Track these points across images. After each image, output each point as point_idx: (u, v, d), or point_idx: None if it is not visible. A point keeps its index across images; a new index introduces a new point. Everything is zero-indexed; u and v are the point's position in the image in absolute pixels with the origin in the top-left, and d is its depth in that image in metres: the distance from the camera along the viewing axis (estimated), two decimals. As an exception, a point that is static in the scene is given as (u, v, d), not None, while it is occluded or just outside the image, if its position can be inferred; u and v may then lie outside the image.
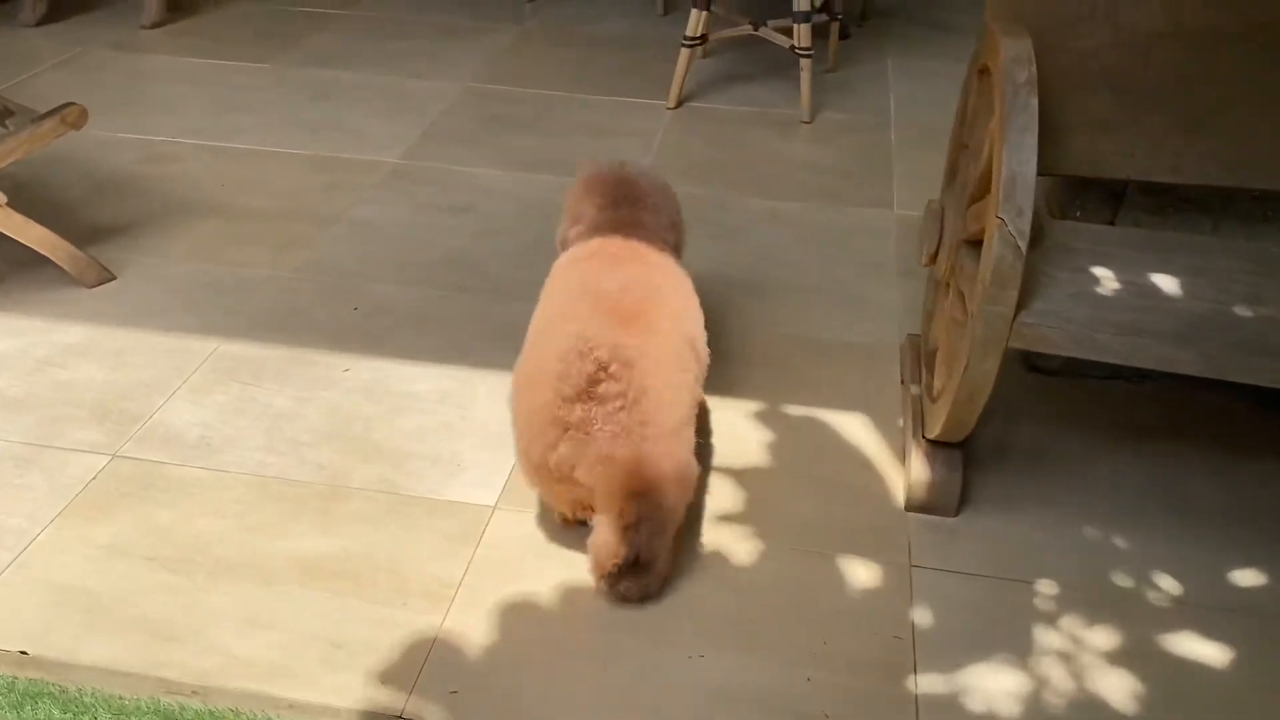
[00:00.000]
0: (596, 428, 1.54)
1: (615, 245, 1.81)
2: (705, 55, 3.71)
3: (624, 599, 1.61)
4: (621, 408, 1.54)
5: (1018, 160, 1.47)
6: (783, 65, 3.54)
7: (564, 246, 1.95)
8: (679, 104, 3.37)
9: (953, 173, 1.94)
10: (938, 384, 1.79)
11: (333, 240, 2.58)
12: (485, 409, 2.03)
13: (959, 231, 1.71)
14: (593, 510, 1.59)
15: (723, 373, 2.14)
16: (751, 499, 1.84)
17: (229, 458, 1.89)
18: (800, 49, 3.23)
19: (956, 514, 1.80)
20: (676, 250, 1.96)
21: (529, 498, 1.81)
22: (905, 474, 1.85)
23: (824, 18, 3.42)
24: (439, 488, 1.83)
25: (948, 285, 1.79)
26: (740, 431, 2.00)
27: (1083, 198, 2.00)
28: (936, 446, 1.77)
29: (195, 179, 2.83)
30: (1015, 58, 1.54)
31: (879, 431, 2.00)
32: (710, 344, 1.87)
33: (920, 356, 2.00)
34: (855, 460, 1.93)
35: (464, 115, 3.26)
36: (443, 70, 3.59)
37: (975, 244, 1.66)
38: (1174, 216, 1.96)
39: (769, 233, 2.68)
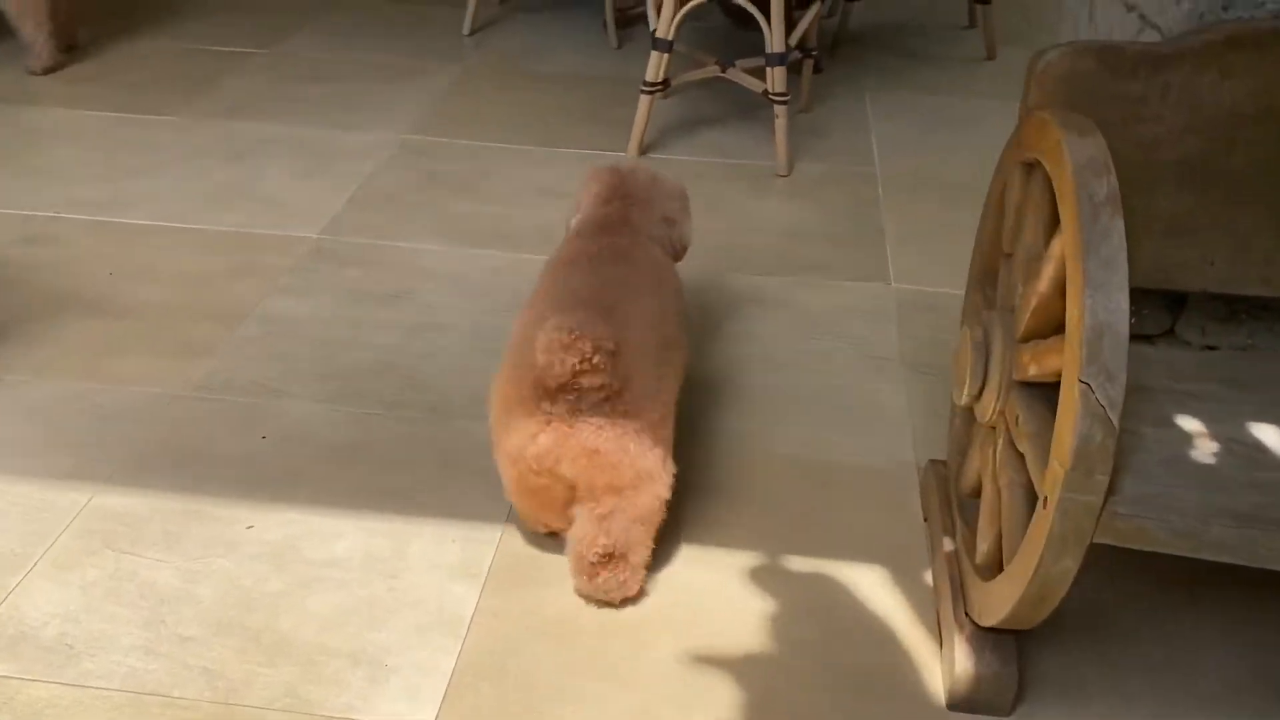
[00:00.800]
0: (580, 419, 1.53)
1: (598, 244, 1.83)
2: (666, 95, 3.35)
3: (604, 596, 1.60)
4: (605, 399, 1.53)
5: (1105, 307, 1.12)
6: (753, 106, 3.19)
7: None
8: (640, 155, 3.01)
9: (986, 278, 1.60)
10: (983, 547, 1.44)
11: (241, 344, 2.18)
12: (419, 577, 1.64)
13: (1011, 369, 1.37)
14: (567, 522, 1.61)
15: (706, 512, 1.79)
16: (753, 700, 1.48)
17: (95, 665, 1.48)
18: (775, 95, 2.88)
19: (1011, 712, 1.46)
20: (673, 247, 1.98)
21: (477, 705, 1.44)
22: (945, 661, 1.50)
23: (797, 55, 3.08)
24: (361, 701, 1.45)
25: (993, 427, 1.44)
26: (733, 599, 1.63)
27: (1135, 302, 1.67)
28: (985, 631, 1.43)
29: (78, 265, 2.42)
30: (1089, 164, 1.20)
31: (904, 591, 1.64)
32: (688, 469, 1.77)
33: (951, 496, 1.66)
34: (879, 636, 1.57)
35: (398, 175, 2.88)
36: (375, 119, 3.20)
37: (1034, 387, 1.32)
38: (1248, 324, 1.64)
39: (753, 319, 2.32)
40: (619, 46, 3.86)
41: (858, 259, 2.55)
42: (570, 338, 1.49)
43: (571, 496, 1.59)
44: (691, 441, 1.94)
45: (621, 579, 1.58)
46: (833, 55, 3.74)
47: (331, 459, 1.88)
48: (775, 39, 2.83)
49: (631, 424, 1.54)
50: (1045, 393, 1.31)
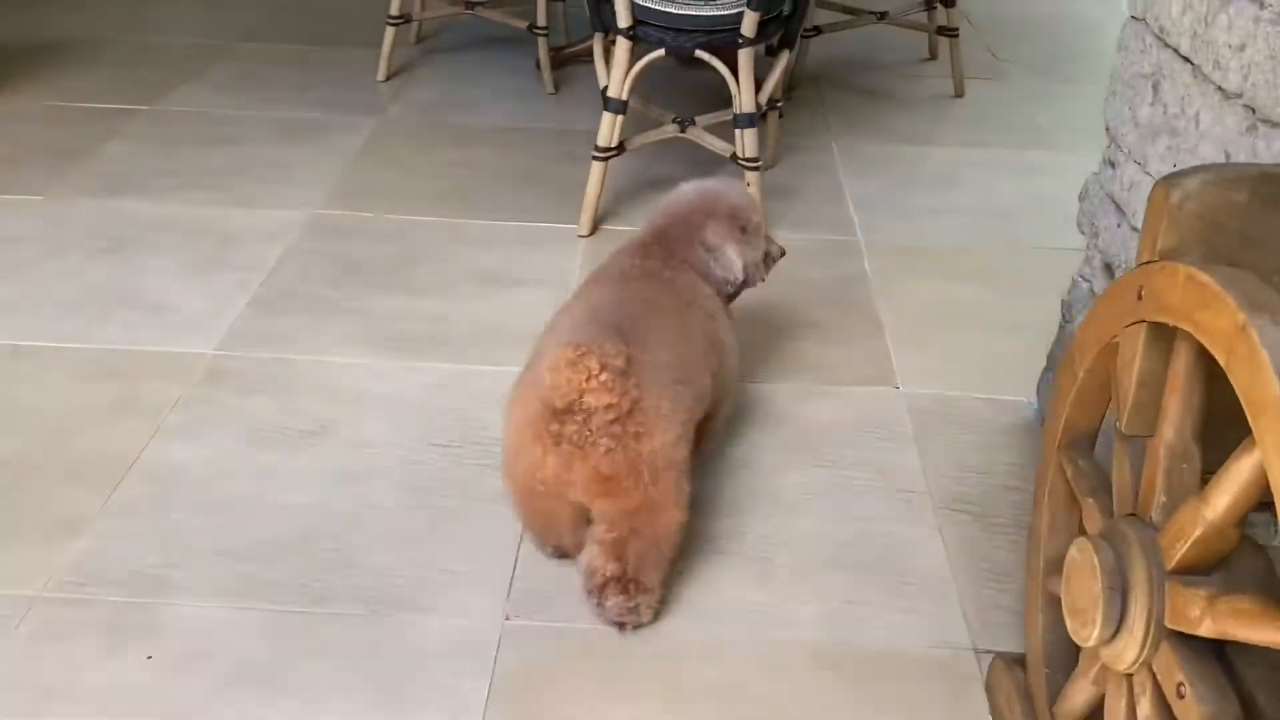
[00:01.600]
0: (589, 441, 1.48)
1: (629, 262, 1.80)
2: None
3: (615, 619, 1.55)
4: (615, 419, 1.47)
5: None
6: (715, 163, 2.84)
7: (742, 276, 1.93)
8: (594, 230, 2.63)
9: (1075, 445, 1.26)
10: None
11: (118, 514, 1.73)
12: None
13: (1163, 612, 1.02)
14: (579, 543, 1.58)
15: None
16: None
17: None
18: (745, 161, 2.52)
19: None
20: (712, 276, 1.87)
21: None
22: None
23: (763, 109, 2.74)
24: None
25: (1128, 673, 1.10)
26: None
27: None
28: None
29: (-92, 409, 1.96)
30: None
31: None
32: (682, 665, 1.54)
33: (1040, 715, 1.31)
34: None
35: (310, 263, 2.44)
36: (280, 190, 2.76)
37: (1205, 640, 0.98)
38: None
39: (748, 440, 1.95)
40: (555, 91, 3.47)
41: (856, 356, 2.21)
42: (577, 354, 1.43)
43: (583, 516, 1.57)
44: (688, 618, 1.58)
45: (633, 604, 1.54)
46: (790, 96, 3.40)
47: (236, 684, 1.46)
48: (744, 98, 2.47)
49: (644, 446, 1.49)
50: (1221, 649, 0.97)
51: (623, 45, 2.44)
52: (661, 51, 2.45)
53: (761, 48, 2.52)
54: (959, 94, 3.56)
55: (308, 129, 3.12)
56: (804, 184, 2.91)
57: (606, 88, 2.51)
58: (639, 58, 2.47)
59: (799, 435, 1.98)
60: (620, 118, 2.51)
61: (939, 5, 3.45)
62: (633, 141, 2.61)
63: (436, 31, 3.89)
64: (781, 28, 2.51)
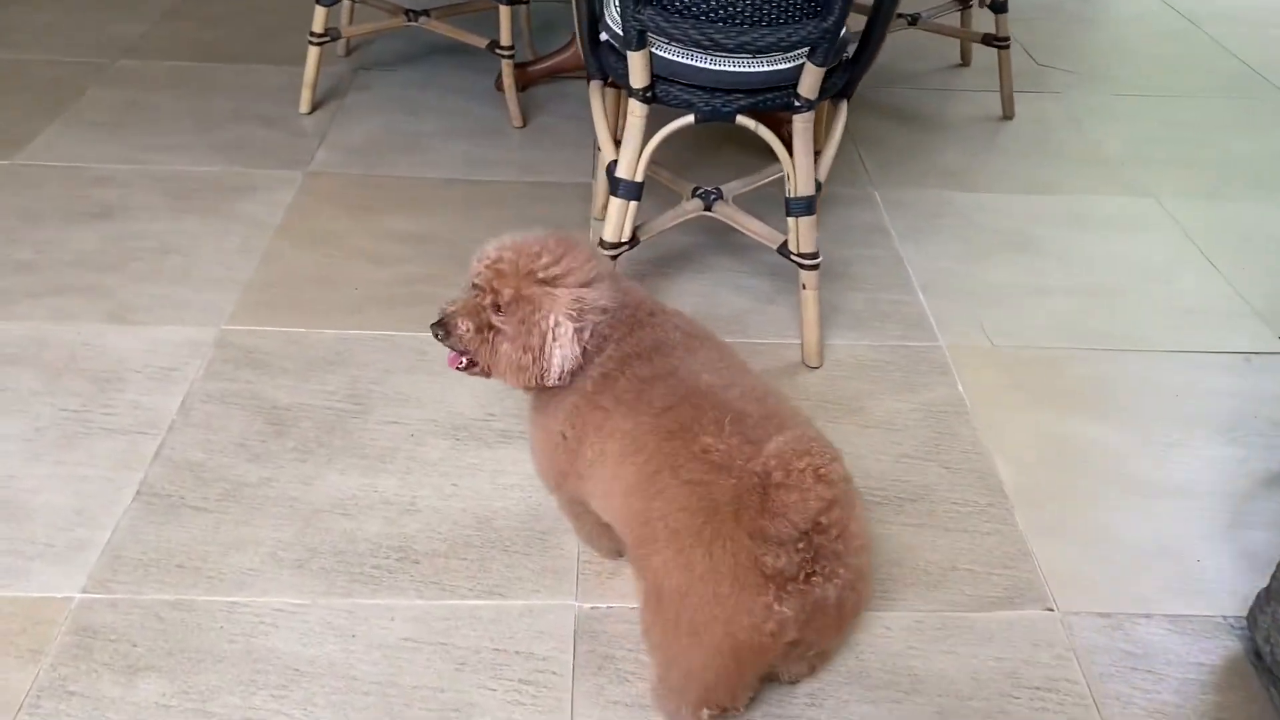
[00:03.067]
0: (817, 573, 1.14)
1: (666, 333, 1.34)
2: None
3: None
4: (839, 536, 1.15)
5: None
6: (749, 248, 2.22)
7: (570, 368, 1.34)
8: (598, 344, 2.01)
9: None
10: None
11: None
12: None
13: None
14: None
15: None
16: None
17: None
18: (802, 258, 1.91)
19: None
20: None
21: None
22: None
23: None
24: None
25: None
26: None
27: None
28: None
29: None
30: None
31: None
32: None
33: None
34: None
35: (219, 419, 1.77)
36: (175, 293, 2.07)
37: None
38: None
39: (853, 716, 1.40)
40: (523, 124, 2.81)
41: (984, 552, 1.62)
42: (822, 459, 1.09)
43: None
44: None
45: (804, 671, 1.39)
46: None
47: None
48: (800, 177, 1.85)
49: (861, 559, 1.20)
50: None
51: (637, 110, 1.80)
52: (690, 119, 1.81)
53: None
54: (1008, 115, 2.97)
55: (209, 190, 2.42)
56: (855, 259, 2.30)
57: (613, 164, 1.87)
58: (659, 125, 1.83)
59: (928, 701, 1.41)
60: (634, 205, 1.88)
61: (988, 10, 2.84)
62: (648, 228, 1.97)
63: (371, 40, 3.18)
64: (845, 76, 1.89)
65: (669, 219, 2.00)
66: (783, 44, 1.68)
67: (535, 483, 1.67)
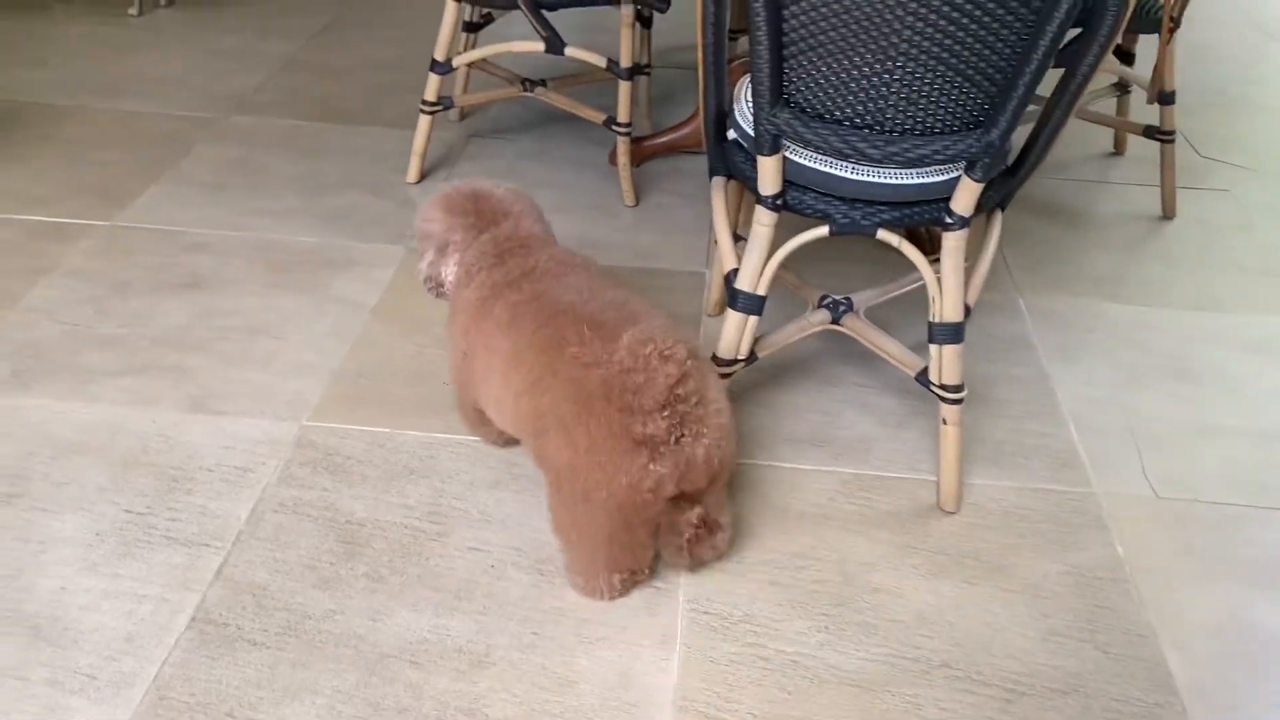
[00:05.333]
0: (692, 433, 1.39)
1: (533, 261, 1.62)
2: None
3: (705, 560, 1.58)
4: (698, 403, 1.39)
5: None
6: (863, 357, 2.01)
7: (440, 283, 1.72)
8: (704, 468, 1.81)
9: None
10: None
11: None
12: None
13: None
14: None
15: None
16: None
17: None
18: (944, 389, 1.69)
19: None
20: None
21: None
22: None
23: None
24: None
25: None
26: None
27: None
28: None
29: None
30: None
31: None
32: None
33: None
34: None
35: (288, 535, 1.62)
36: (257, 379, 1.94)
37: None
38: None
39: None
40: (636, 203, 2.65)
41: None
42: (669, 349, 1.37)
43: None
44: None
45: (716, 545, 1.55)
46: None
47: None
48: (948, 301, 1.63)
49: (720, 419, 1.42)
50: None
51: (765, 218, 1.61)
52: (824, 231, 1.61)
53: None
54: (1168, 215, 2.69)
55: (307, 263, 2.31)
56: (996, 377, 2.06)
57: (733, 273, 1.68)
58: (788, 235, 1.64)
59: None
60: (754, 320, 1.68)
61: (1156, 103, 2.58)
62: (768, 342, 1.78)
63: (485, 106, 3.08)
64: (1003, 188, 1.67)
65: (792, 332, 1.80)
66: (937, 157, 1.48)
67: (626, 639, 1.48)
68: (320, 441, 1.81)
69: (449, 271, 1.68)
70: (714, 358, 1.72)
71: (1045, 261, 2.48)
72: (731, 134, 1.71)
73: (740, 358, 1.70)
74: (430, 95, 2.58)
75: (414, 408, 1.90)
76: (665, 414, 1.36)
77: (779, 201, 1.59)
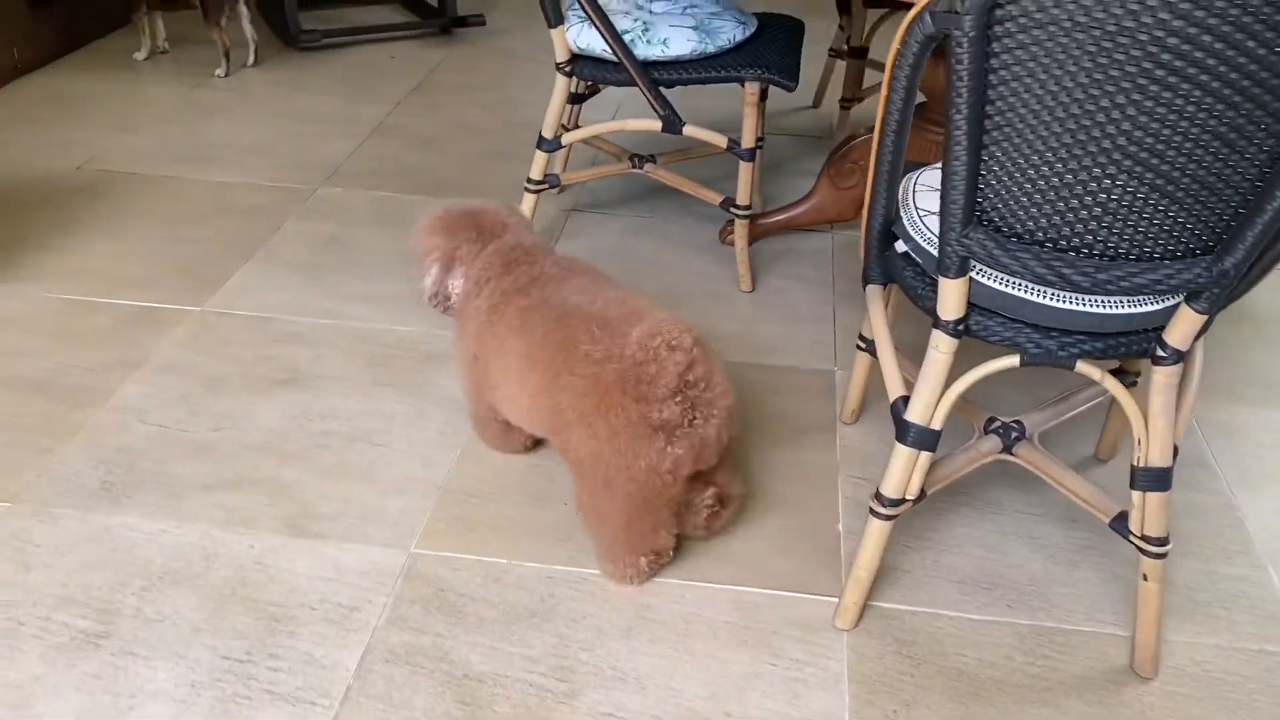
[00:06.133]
0: (702, 415, 1.49)
1: (539, 269, 1.70)
2: (854, 419, 1.98)
3: (719, 529, 1.68)
4: (706, 387, 1.49)
5: None
6: (1080, 520, 1.79)
7: (445, 298, 1.80)
8: (859, 620, 1.61)
9: None
10: None
11: None
12: None
13: None
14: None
15: None
16: None
17: None
18: (1149, 543, 1.47)
19: None
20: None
21: None
22: None
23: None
24: None
25: None
26: None
27: None
28: None
29: None
30: None
31: None
32: None
33: None
34: None
35: (405, 687, 1.43)
36: (362, 501, 1.78)
37: None
38: None
39: None
40: (752, 288, 2.48)
41: None
42: (675, 338, 1.44)
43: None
44: None
45: (728, 516, 1.68)
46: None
47: None
48: (1156, 442, 1.41)
49: (727, 401, 1.52)
50: None
51: (943, 344, 1.42)
52: (1013, 361, 1.42)
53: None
54: (1339, 306, 2.46)
55: (406, 356, 2.16)
56: (1177, 507, 1.81)
57: (902, 402, 1.49)
58: (965, 359, 1.45)
59: None
60: (925, 456, 1.49)
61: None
62: (936, 477, 1.57)
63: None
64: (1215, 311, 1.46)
65: (961, 465, 1.59)
66: (1158, 287, 1.28)
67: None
68: (431, 573, 1.64)
69: (456, 285, 1.77)
70: (877, 495, 1.52)
71: (1219, 365, 2.25)
72: (901, 246, 1.53)
73: (909, 497, 1.50)
74: (536, 174, 2.43)
75: (530, 534, 1.73)
76: (678, 400, 1.46)
77: (961, 328, 1.40)
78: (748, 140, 2.30)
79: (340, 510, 1.77)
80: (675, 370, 1.43)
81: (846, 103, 2.94)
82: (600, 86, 2.70)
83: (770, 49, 2.32)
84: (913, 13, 1.21)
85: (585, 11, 2.16)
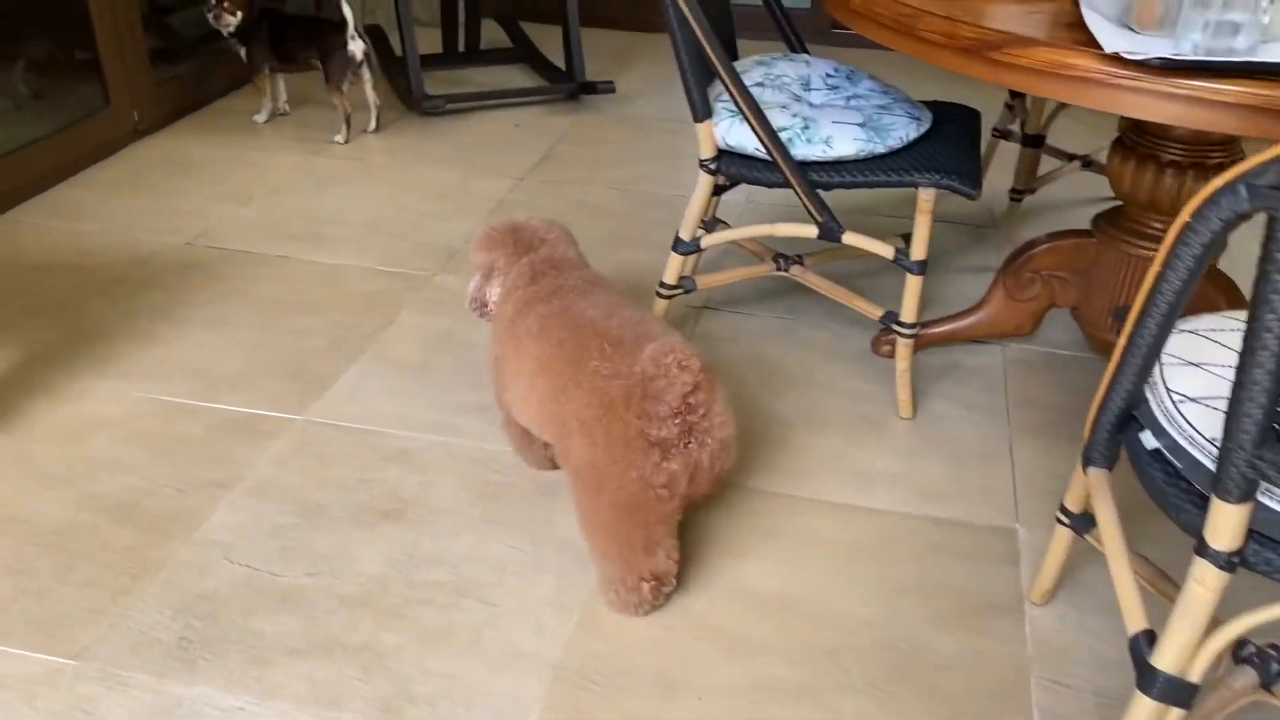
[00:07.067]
0: (690, 441, 1.53)
1: (563, 280, 1.79)
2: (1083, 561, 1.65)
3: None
4: (705, 414, 1.53)
5: None
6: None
7: (484, 303, 1.92)
8: None
9: None
10: None
11: None
12: None
13: None
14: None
15: None
16: None
17: None
18: None
19: None
20: None
21: None
22: None
23: None
24: None
25: None
26: None
27: None
28: None
29: None
30: None
31: None
32: None
33: None
34: None
35: None
36: (467, 677, 1.54)
37: None
38: None
39: None
40: (913, 414, 2.18)
41: None
42: (685, 360, 1.49)
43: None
44: None
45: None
46: None
47: None
48: None
49: (726, 432, 1.56)
50: None
51: (1210, 578, 1.11)
52: (1309, 607, 1.11)
53: None
54: None
55: (521, 487, 1.91)
56: None
57: (1143, 639, 1.17)
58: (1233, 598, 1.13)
59: None
60: (1177, 714, 1.17)
61: None
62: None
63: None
64: None
65: (1213, 710, 1.27)
66: None
67: None
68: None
69: (493, 293, 1.88)
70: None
71: None
72: (1151, 441, 1.22)
73: (1147, 758, 1.19)
74: (670, 277, 2.18)
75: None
76: (677, 420, 1.51)
77: (1236, 560, 1.09)
78: (918, 252, 2.01)
79: (441, 691, 1.52)
80: (681, 390, 1.49)
81: (1017, 195, 2.63)
82: (744, 176, 2.45)
83: (946, 147, 2.03)
84: (1220, 181, 0.92)
85: (739, 107, 1.91)
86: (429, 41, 4.26)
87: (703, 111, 2.00)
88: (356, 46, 3.37)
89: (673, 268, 2.17)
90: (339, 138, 3.45)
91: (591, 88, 3.80)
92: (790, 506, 1.91)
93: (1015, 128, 2.80)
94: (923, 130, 2.04)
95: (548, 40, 4.26)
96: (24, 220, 2.92)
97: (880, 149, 1.97)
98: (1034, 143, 2.60)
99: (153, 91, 3.47)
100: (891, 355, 2.32)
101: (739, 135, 1.99)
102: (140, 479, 1.93)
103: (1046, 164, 2.97)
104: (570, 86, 3.81)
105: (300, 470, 1.97)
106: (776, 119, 1.97)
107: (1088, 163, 2.84)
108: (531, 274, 1.81)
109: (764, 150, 1.95)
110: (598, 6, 4.49)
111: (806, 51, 2.34)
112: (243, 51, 3.49)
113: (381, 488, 1.93)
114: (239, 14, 3.42)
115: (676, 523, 1.62)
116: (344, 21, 3.35)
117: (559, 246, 1.88)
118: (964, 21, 1.55)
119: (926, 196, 1.96)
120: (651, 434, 1.50)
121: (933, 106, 2.24)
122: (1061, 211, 3.07)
